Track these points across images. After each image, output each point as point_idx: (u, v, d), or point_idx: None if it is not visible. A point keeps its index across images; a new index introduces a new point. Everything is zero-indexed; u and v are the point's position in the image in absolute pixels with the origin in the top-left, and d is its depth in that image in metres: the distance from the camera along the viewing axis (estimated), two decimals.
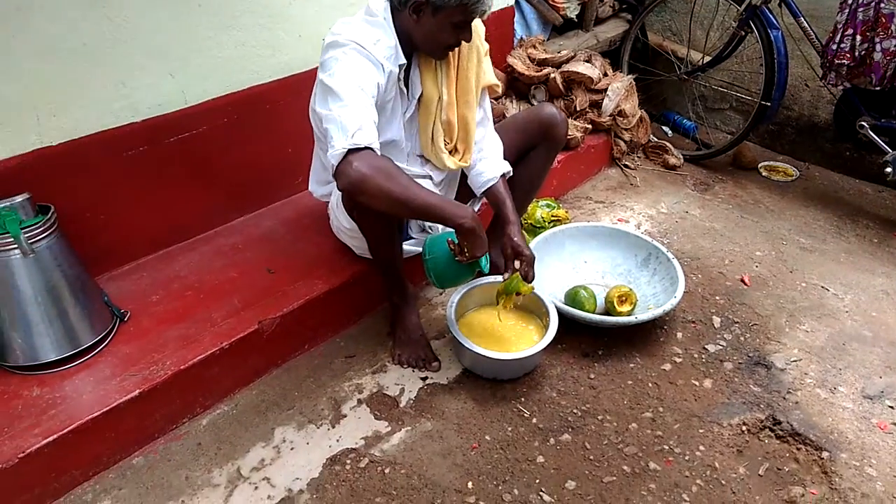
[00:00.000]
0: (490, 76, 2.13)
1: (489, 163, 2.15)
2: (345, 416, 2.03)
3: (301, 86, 2.46)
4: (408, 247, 2.16)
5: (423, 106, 2.06)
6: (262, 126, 2.46)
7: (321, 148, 2.13)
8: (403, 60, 1.92)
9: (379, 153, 1.71)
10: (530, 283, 2.02)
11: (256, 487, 1.82)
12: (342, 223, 2.13)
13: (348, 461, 1.88)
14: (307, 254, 2.35)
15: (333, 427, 1.99)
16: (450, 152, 2.12)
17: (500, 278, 2.27)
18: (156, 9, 2.08)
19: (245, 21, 2.28)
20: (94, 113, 2.06)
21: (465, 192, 2.33)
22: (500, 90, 2.17)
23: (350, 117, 1.67)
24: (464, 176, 2.27)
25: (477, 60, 2.06)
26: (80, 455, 1.78)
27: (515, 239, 2.02)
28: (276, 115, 2.47)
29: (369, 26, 1.88)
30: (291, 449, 1.92)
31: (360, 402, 2.07)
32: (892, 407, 2.06)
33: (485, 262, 1.94)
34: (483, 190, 2.15)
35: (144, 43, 2.09)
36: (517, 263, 2.01)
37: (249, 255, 2.35)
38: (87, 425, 1.75)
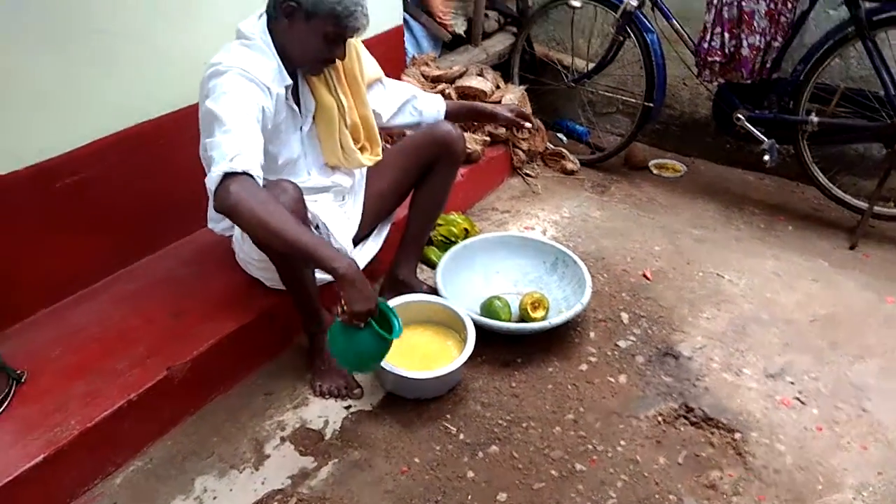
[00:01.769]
0: (372, 70, 2.20)
1: (423, 99, 2.35)
2: (268, 456, 1.97)
3: (191, 119, 2.36)
4: (320, 274, 2.13)
5: (322, 116, 2.07)
6: (154, 163, 2.36)
7: None
8: (289, 81, 1.93)
9: (260, 180, 1.68)
10: (531, 125, 2.46)
11: None
12: (250, 255, 2.08)
13: (275, 503, 1.83)
14: (214, 292, 2.28)
15: (257, 469, 1.93)
16: (360, 150, 2.16)
17: (410, 298, 2.29)
18: (34, 52, 1.97)
19: (128, 59, 2.20)
20: None
21: (370, 214, 2.33)
22: (382, 76, 2.24)
23: (231, 142, 1.65)
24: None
25: (357, 58, 2.11)
26: None
27: (510, 107, 2.37)
28: (167, 150, 2.38)
29: (248, 50, 1.86)
30: (214, 498, 1.85)
31: (283, 439, 2.01)
32: (792, 383, 2.19)
33: (398, 327, 1.85)
34: (443, 118, 2.36)
35: (23, 87, 1.98)
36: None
37: (152, 299, 2.25)
38: None
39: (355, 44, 2.09)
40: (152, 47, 2.25)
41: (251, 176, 1.64)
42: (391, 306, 1.92)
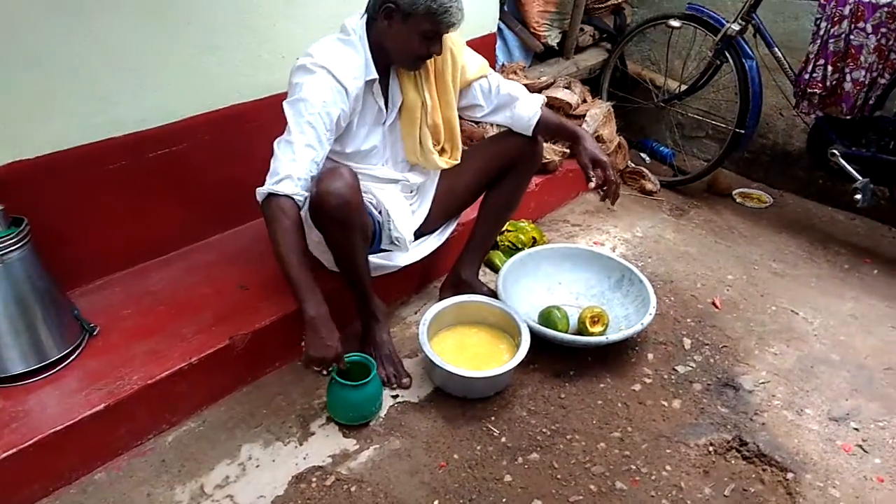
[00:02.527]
0: (475, 67, 2.20)
1: (523, 103, 2.25)
2: (313, 433, 2.02)
3: (280, 106, 2.49)
4: (376, 260, 2.17)
5: (406, 113, 2.12)
6: (242, 144, 2.48)
7: None
8: (375, 75, 1.99)
9: (300, 199, 1.84)
10: (613, 182, 2.20)
11: None
12: (311, 236, 2.15)
13: (314, 479, 1.87)
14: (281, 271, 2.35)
15: (301, 445, 1.98)
16: (438, 153, 2.19)
17: (469, 298, 2.31)
18: (141, 25, 2.11)
19: (229, 40, 2.32)
20: (75, 127, 2.08)
21: (438, 211, 2.36)
22: (489, 72, 2.24)
23: (286, 160, 1.83)
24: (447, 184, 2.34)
25: (452, 61, 2.12)
26: (40, 469, 1.76)
27: (589, 148, 2.20)
28: (256, 133, 2.47)
29: (341, 45, 1.95)
30: (257, 466, 1.91)
31: (328, 419, 2.06)
32: (857, 429, 2.08)
33: (373, 377, 1.98)
34: (534, 127, 2.26)
35: (128, 59, 2.12)
36: (599, 171, 2.19)
37: (224, 271, 2.36)
38: (50, 439, 1.74)
39: (453, 47, 2.12)
40: (252, 31, 2.37)
41: (291, 197, 1.81)
42: (366, 357, 2.05)
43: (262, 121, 2.48)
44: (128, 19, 2.08)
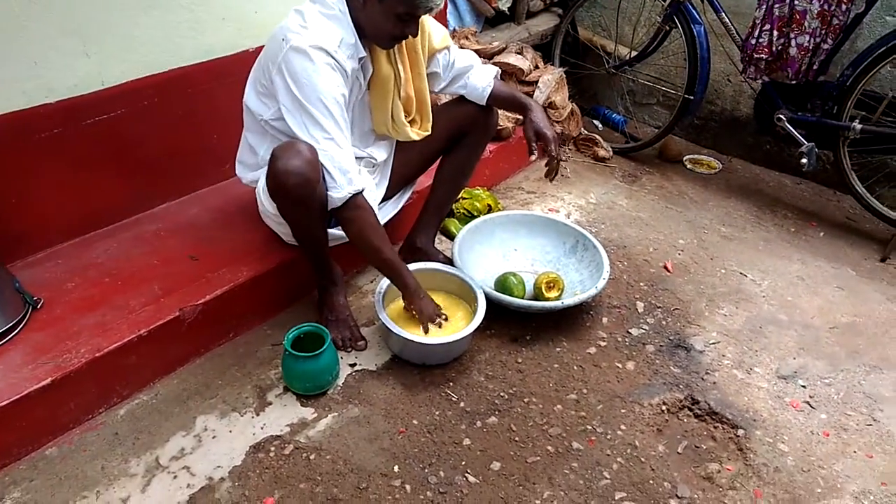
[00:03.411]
0: (440, 39, 2.16)
1: (476, 73, 2.26)
2: (270, 403, 2.00)
3: (226, 70, 2.43)
4: (335, 232, 2.14)
5: (377, 85, 2.07)
6: (185, 110, 2.40)
7: (251, 133, 2.12)
8: (364, 53, 1.95)
9: (367, 191, 1.96)
10: (554, 158, 2.25)
11: (175, 476, 1.77)
12: (268, 209, 2.09)
13: (272, 448, 1.85)
14: (233, 241, 2.30)
15: (258, 415, 1.96)
16: (409, 123, 2.17)
17: (425, 265, 2.30)
18: None
19: (165, 1, 2.22)
20: (4, 93, 1.97)
21: (395, 179, 2.34)
22: (450, 44, 2.21)
23: (344, 158, 1.87)
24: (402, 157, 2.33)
25: (421, 30, 2.07)
26: None
27: (535, 121, 2.22)
28: (199, 98, 2.41)
29: (328, 22, 1.88)
30: (213, 437, 1.88)
31: (285, 389, 2.03)
32: (804, 386, 2.14)
33: (328, 343, 1.98)
34: (487, 98, 2.26)
35: (58, 21, 2.01)
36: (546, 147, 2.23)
37: (172, 242, 2.29)
38: None
39: (422, 19, 2.07)
40: None
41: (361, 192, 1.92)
42: (320, 327, 2.03)
43: (205, 85, 2.41)
44: None
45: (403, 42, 2.03)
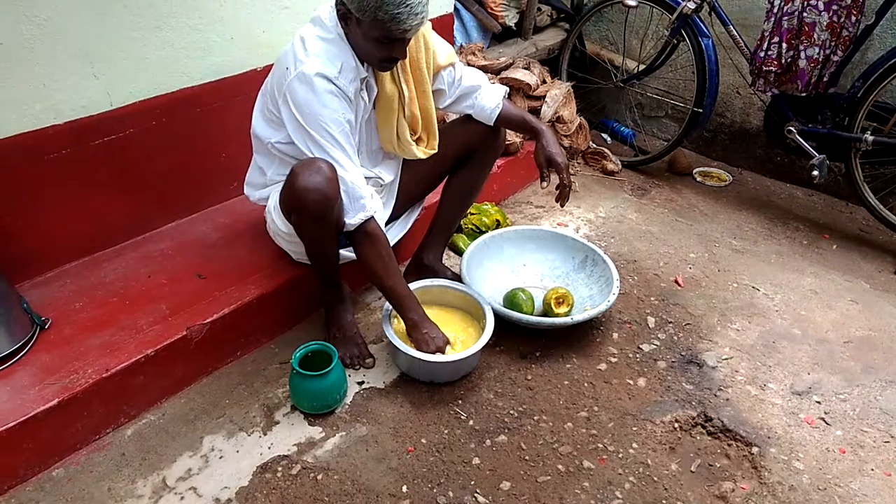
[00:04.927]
0: (444, 56, 2.14)
1: (485, 92, 2.23)
2: (277, 422, 1.98)
3: (234, 89, 2.44)
4: (345, 253, 2.13)
5: (382, 104, 2.06)
6: (193, 130, 2.40)
7: (260, 155, 2.13)
8: (365, 74, 1.95)
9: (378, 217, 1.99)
10: (566, 186, 2.22)
11: (182, 497, 1.76)
12: (279, 227, 2.09)
13: (279, 468, 1.84)
14: (241, 259, 2.30)
15: (265, 434, 1.94)
16: (416, 142, 2.15)
17: (433, 282, 2.29)
18: (79, 8, 2.01)
19: (174, 22, 2.23)
20: (13, 114, 1.98)
21: (403, 198, 2.33)
22: (455, 60, 2.19)
23: (354, 183, 1.89)
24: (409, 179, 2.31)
25: (425, 48, 2.06)
26: None
27: (547, 148, 2.18)
28: (207, 118, 2.42)
29: (327, 46, 1.87)
30: (220, 458, 1.87)
31: (293, 408, 2.02)
32: (819, 402, 2.11)
33: (333, 366, 1.95)
34: (496, 119, 2.23)
35: (67, 43, 2.02)
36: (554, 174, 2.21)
37: (179, 261, 2.29)
38: (3, 436, 1.67)
39: (426, 33, 2.06)
40: (199, 12, 2.28)
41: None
42: (327, 345, 2.01)
43: (213, 105, 2.42)
44: (65, 2, 1.98)
45: (408, 60, 2.03)
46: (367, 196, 1.92)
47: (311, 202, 1.82)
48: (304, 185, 1.81)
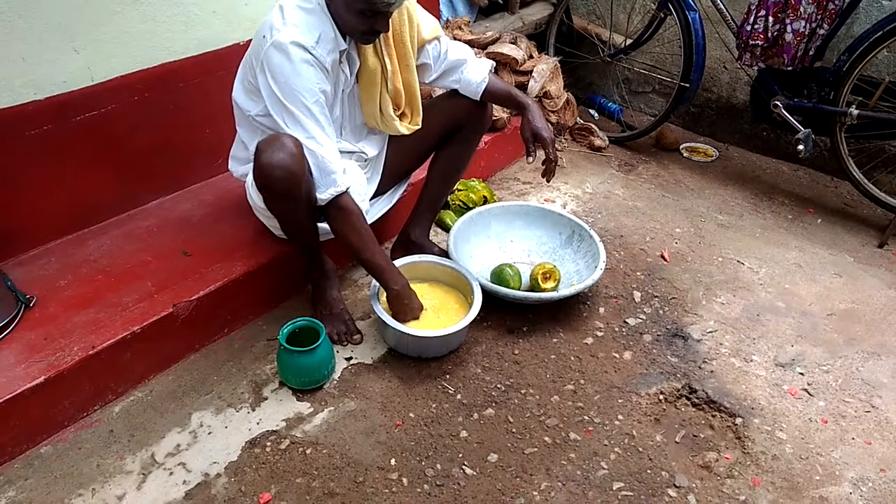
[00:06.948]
0: (429, 30, 2.12)
1: (471, 66, 2.21)
2: (266, 398, 1.99)
3: (217, 64, 2.41)
4: (325, 226, 2.12)
5: (365, 78, 2.04)
6: (176, 105, 2.38)
7: (242, 128, 2.10)
8: (345, 46, 1.92)
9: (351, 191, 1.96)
10: (552, 161, 2.22)
11: (171, 473, 1.76)
12: (256, 202, 2.09)
13: (268, 443, 1.85)
14: (226, 236, 2.29)
15: (254, 410, 1.95)
16: (399, 118, 2.14)
17: (421, 258, 2.29)
18: None
19: None
20: None
21: (388, 174, 2.32)
22: (440, 34, 2.17)
23: (327, 157, 1.86)
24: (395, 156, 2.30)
25: (409, 21, 2.04)
26: None
27: (533, 122, 2.18)
28: (191, 93, 2.39)
29: (306, 16, 1.85)
30: (209, 433, 1.87)
31: (281, 384, 2.03)
32: (802, 374, 2.14)
33: (321, 342, 1.95)
34: (482, 93, 2.22)
35: (46, 16, 1.99)
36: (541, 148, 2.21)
37: (165, 238, 2.28)
38: None
39: (410, 6, 2.04)
40: None
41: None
42: (314, 321, 2.01)
43: (196, 80, 2.39)
44: None
45: (390, 33, 2.01)
46: (338, 171, 1.88)
47: (277, 179, 1.81)
48: (268, 161, 1.79)
